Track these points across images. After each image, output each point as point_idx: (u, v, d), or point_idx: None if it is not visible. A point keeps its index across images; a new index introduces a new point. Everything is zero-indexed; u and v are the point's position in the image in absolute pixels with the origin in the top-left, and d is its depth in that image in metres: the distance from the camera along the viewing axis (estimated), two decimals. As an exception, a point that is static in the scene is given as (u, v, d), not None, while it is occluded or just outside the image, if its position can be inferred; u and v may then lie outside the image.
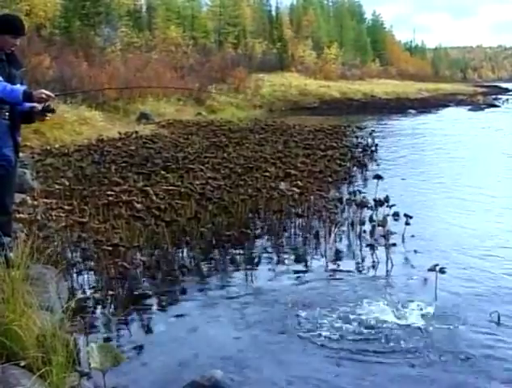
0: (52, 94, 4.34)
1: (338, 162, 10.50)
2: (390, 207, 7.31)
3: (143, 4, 43.37)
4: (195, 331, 4.42)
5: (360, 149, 13.51)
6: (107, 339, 4.21)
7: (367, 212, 7.29)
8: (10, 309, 3.32)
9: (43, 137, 13.31)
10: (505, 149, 14.58)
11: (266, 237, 6.94)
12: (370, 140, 14.95)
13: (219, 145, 12.31)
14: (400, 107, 32.10)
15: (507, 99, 39.76)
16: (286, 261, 6.09)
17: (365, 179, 10.48)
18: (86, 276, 5.48)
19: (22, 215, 5.85)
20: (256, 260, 6.06)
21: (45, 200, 6.95)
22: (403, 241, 6.61)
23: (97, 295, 5.00)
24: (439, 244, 6.57)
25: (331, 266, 5.88)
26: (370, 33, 70.04)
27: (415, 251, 6.28)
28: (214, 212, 7.11)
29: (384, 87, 46.39)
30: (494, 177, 10.90)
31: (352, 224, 7.22)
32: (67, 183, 8.08)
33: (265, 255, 6.28)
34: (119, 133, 14.84)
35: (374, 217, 7.14)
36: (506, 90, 58.99)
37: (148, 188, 7.43)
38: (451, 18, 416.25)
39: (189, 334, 4.38)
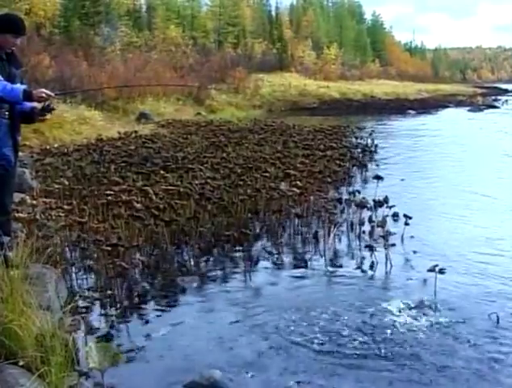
0: (52, 94, 4.34)
1: (338, 162, 10.50)
2: (389, 207, 7.32)
3: (143, 4, 43.43)
4: (194, 331, 4.42)
5: (360, 150, 13.50)
6: (106, 339, 4.20)
7: (366, 213, 7.29)
8: (10, 309, 3.32)
9: (42, 136, 13.31)
10: (504, 150, 14.58)
11: (266, 237, 6.94)
12: (369, 140, 14.95)
13: (218, 145, 12.31)
14: (399, 107, 32.09)
15: (506, 100, 39.72)
16: (285, 261, 6.08)
17: (364, 180, 10.48)
18: (85, 275, 5.48)
19: (21, 214, 5.85)
20: (255, 260, 6.06)
21: (44, 200, 6.95)
22: (402, 241, 6.62)
23: (96, 295, 4.99)
24: (439, 245, 6.57)
25: (330, 266, 5.88)
26: (370, 34, 70.06)
27: (414, 252, 6.28)
28: (213, 212, 7.11)
29: (383, 88, 46.40)
30: (494, 178, 10.91)
31: (351, 224, 7.21)
32: (66, 183, 8.08)
33: (264, 255, 6.27)
34: (119, 133, 14.84)
35: (373, 218, 7.14)
36: (506, 91, 58.99)
37: (147, 188, 7.43)
38: (451, 18, 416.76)
39: (188, 333, 4.38)
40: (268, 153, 10.94)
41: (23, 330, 3.23)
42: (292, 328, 4.39)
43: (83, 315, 4.43)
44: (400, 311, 4.62)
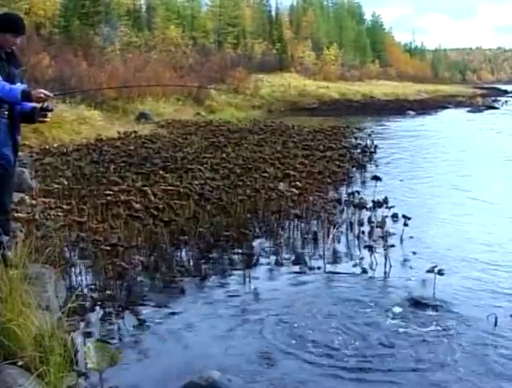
0: (51, 94, 4.34)
1: (337, 163, 10.50)
2: (389, 208, 7.32)
3: (142, 4, 43.48)
4: (193, 332, 4.41)
5: (359, 151, 13.51)
6: (105, 339, 4.19)
7: (365, 214, 7.29)
8: (8, 309, 3.32)
9: (41, 136, 13.31)
10: (503, 152, 14.59)
11: (265, 237, 6.93)
12: (369, 141, 14.96)
13: (218, 146, 12.31)
14: (399, 108, 32.11)
15: (506, 101, 39.77)
16: (284, 262, 6.08)
17: (364, 181, 10.48)
18: (84, 275, 5.48)
19: (20, 214, 5.84)
20: (254, 261, 6.05)
21: (44, 200, 6.94)
22: (401, 242, 6.62)
23: (95, 295, 4.99)
24: (438, 246, 6.57)
25: (329, 267, 5.88)
26: (369, 34, 70.12)
27: (413, 253, 6.28)
28: (213, 212, 7.11)
29: (383, 88, 46.44)
30: (493, 179, 10.91)
31: (351, 225, 7.21)
32: (66, 183, 8.07)
33: (263, 255, 6.27)
34: (118, 133, 14.83)
35: (372, 218, 7.15)
36: (505, 92, 59.01)
37: (146, 188, 7.43)
38: (451, 19, 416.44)
39: (187, 334, 4.37)
40: (267, 154, 10.94)
41: (22, 330, 3.23)
42: (292, 328, 4.39)
43: (82, 315, 4.44)
44: (398, 312, 4.62)
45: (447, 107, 34.95)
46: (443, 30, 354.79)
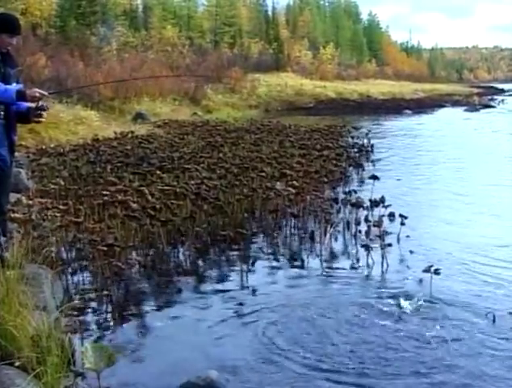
0: (46, 93, 4.35)
1: (334, 162, 10.50)
2: (385, 207, 7.32)
3: (139, 4, 43.40)
4: (190, 331, 4.41)
5: (356, 150, 13.52)
6: (102, 340, 4.19)
7: (362, 213, 7.29)
8: (5, 310, 3.31)
9: (38, 136, 13.30)
10: (500, 150, 14.62)
11: (262, 237, 6.94)
12: (366, 140, 14.97)
13: (214, 145, 12.30)
14: (396, 107, 32.16)
15: (503, 100, 39.84)
16: (281, 261, 6.09)
17: (361, 180, 10.49)
18: (81, 276, 5.47)
19: (17, 215, 5.83)
20: (251, 260, 6.05)
21: (40, 200, 6.93)
22: (398, 241, 6.62)
23: (92, 295, 4.99)
24: (434, 245, 6.58)
25: (326, 266, 5.89)
26: (366, 33, 70.18)
27: (410, 252, 6.29)
28: (209, 212, 7.11)
29: (379, 87, 46.51)
30: (489, 178, 10.92)
31: (348, 224, 7.22)
32: (62, 183, 8.06)
33: (260, 254, 6.27)
34: (115, 133, 14.82)
35: (369, 218, 7.15)
36: (502, 91, 59.14)
37: (143, 188, 7.42)
38: (448, 18, 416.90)
39: (184, 334, 4.37)
40: (264, 153, 10.94)
41: (19, 330, 3.23)
42: (289, 328, 4.39)
43: (79, 316, 4.43)
44: (395, 311, 4.62)
45: (444, 106, 35.01)
46: (440, 29, 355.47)
